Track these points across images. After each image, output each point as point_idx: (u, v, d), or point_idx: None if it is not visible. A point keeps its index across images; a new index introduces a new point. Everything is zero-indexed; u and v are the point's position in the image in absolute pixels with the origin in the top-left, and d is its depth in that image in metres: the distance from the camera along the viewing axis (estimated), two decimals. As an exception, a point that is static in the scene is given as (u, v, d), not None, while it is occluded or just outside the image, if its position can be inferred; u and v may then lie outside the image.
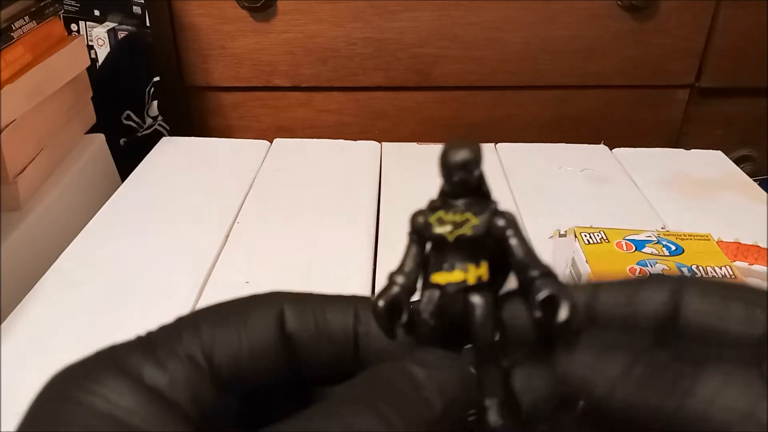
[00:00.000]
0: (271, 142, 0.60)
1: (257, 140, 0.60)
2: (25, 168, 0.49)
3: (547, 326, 0.15)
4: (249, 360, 0.15)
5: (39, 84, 0.49)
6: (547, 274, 0.16)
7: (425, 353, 0.15)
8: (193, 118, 0.67)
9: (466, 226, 0.16)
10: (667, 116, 0.68)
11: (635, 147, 0.60)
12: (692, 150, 0.60)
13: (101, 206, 0.51)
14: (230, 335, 0.15)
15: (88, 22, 0.61)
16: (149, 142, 0.61)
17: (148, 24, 0.61)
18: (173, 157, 0.58)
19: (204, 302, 0.42)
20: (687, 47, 0.64)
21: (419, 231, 0.16)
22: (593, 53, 0.64)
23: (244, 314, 0.16)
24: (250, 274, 0.44)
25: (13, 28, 0.48)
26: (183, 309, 0.40)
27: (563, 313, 0.15)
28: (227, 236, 0.48)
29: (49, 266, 0.45)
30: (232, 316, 0.16)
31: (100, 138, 0.59)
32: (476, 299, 0.16)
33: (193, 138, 0.62)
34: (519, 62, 0.65)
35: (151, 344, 0.15)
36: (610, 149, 0.60)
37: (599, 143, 0.61)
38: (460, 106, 0.68)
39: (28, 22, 0.50)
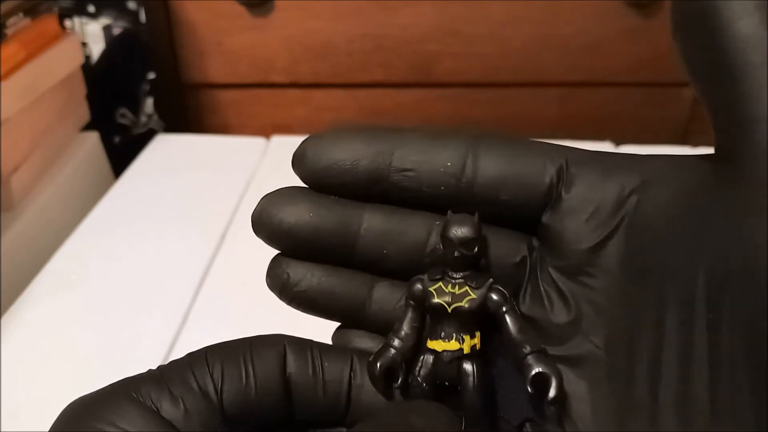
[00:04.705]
0: (269, 140, 0.60)
1: (254, 138, 0.60)
2: (18, 167, 0.48)
3: (538, 400, 0.17)
4: (255, 397, 0.16)
5: (33, 81, 0.49)
6: (539, 350, 0.17)
7: (421, 404, 0.16)
8: (189, 115, 0.66)
9: (465, 300, 0.17)
10: (674, 114, 0.67)
11: (641, 145, 0.59)
12: (698, 148, 0.60)
13: (96, 205, 0.51)
14: (239, 372, 0.16)
15: (82, 19, 0.60)
16: (144, 140, 0.60)
17: (143, 20, 0.60)
18: (168, 154, 0.58)
19: (200, 304, 0.41)
20: (693, 44, 0.63)
21: (417, 298, 0.18)
22: (598, 50, 0.63)
23: (250, 353, 0.16)
24: (248, 275, 0.43)
25: (7, 25, 0.48)
26: (178, 310, 0.40)
27: (553, 391, 0.16)
28: (224, 236, 0.47)
29: (43, 266, 0.44)
30: (240, 354, 0.16)
31: (95, 136, 0.58)
32: (469, 367, 0.17)
33: (188, 135, 0.61)
34: (523, 59, 0.64)
35: (164, 378, 0.15)
36: (616, 146, 0.59)
37: (605, 141, 0.60)
38: (463, 104, 0.67)
39: (23, 19, 0.49)
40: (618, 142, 0.60)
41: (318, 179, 0.18)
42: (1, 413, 0.33)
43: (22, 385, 0.35)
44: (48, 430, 0.14)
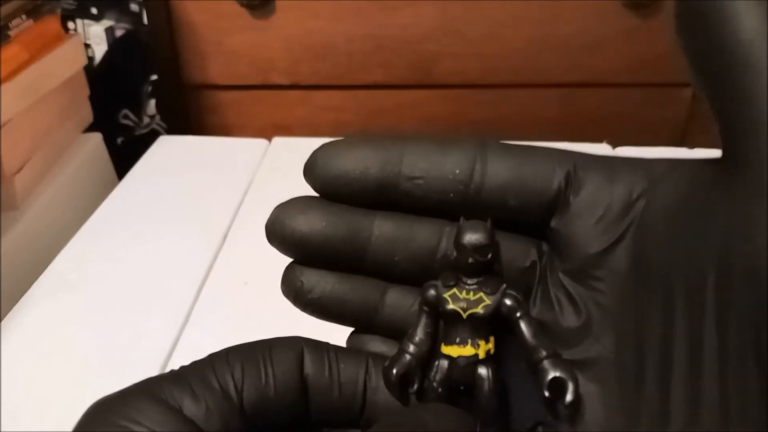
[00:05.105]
0: (270, 141, 0.60)
1: (256, 139, 0.60)
2: (21, 167, 0.48)
3: (554, 405, 0.17)
4: (273, 396, 0.16)
5: (35, 82, 0.49)
6: (555, 355, 0.17)
7: (435, 406, 0.17)
8: (190, 116, 0.66)
9: (480, 306, 0.17)
10: (673, 114, 0.67)
11: (640, 145, 0.59)
12: (696, 149, 0.60)
13: (98, 206, 0.51)
14: (258, 372, 0.17)
15: (85, 20, 0.60)
16: (147, 141, 0.60)
17: (145, 22, 0.60)
18: (170, 155, 0.58)
19: (202, 303, 0.41)
20: (692, 44, 0.63)
21: (431, 304, 0.18)
22: (598, 51, 0.63)
23: (269, 354, 0.17)
24: (249, 275, 0.43)
25: (10, 26, 0.48)
26: (180, 310, 0.40)
27: (570, 396, 0.16)
28: (225, 236, 0.47)
29: (46, 267, 0.44)
30: (259, 355, 0.17)
31: (97, 137, 0.59)
32: (484, 372, 0.17)
33: (190, 136, 0.61)
34: (522, 59, 0.64)
35: (186, 377, 0.16)
36: (613, 148, 0.59)
37: (603, 142, 0.60)
38: (462, 104, 0.67)
39: (26, 20, 0.50)
40: (617, 143, 0.60)
41: (328, 188, 0.18)
42: (1, 413, 0.33)
43: (22, 385, 0.35)
44: (72, 429, 0.15)
